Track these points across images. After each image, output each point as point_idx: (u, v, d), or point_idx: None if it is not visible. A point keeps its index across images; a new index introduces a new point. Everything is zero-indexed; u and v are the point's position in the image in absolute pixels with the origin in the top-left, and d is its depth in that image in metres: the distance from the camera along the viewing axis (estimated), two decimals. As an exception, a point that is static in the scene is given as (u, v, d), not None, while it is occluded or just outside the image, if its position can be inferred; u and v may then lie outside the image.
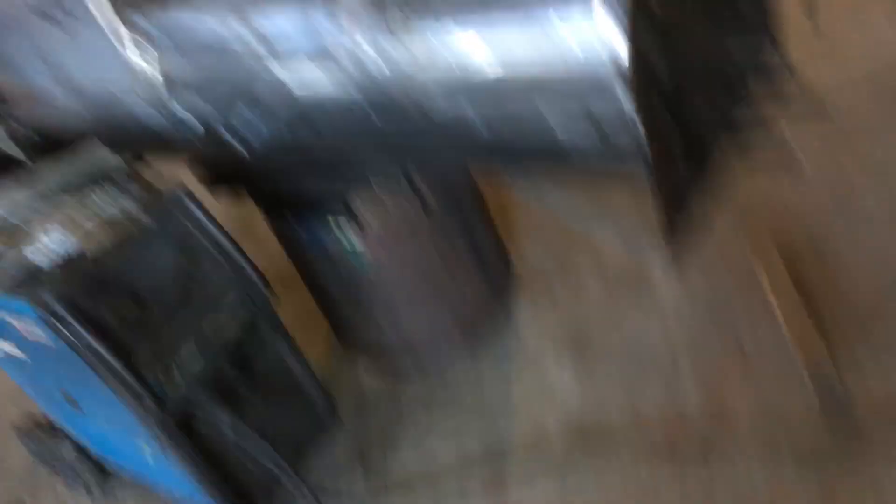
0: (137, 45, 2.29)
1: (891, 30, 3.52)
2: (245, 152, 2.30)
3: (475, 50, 1.65)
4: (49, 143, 2.80)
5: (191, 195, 2.22)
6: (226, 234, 2.26)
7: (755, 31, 2.03)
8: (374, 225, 2.55)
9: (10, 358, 2.40)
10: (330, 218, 2.55)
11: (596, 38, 1.47)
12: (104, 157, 2.47)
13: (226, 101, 2.22)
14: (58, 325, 1.94)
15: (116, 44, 2.28)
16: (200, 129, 2.34)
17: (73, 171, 2.42)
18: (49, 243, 2.10)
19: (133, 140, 2.56)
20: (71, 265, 2.04)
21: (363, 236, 2.57)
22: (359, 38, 1.82)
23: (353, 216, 2.52)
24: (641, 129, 1.53)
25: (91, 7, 2.23)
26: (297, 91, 2.03)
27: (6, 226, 2.20)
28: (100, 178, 2.36)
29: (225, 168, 2.62)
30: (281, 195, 2.57)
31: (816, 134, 2.79)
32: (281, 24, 1.95)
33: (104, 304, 2.03)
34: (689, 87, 1.73)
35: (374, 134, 1.98)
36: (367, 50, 1.82)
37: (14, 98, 2.84)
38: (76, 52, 2.42)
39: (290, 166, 2.42)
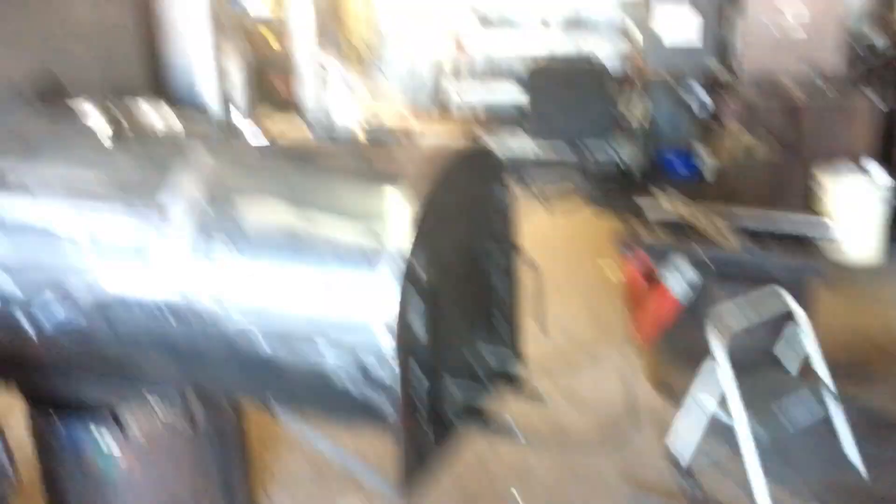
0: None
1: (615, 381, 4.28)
2: (34, 335, 2.40)
3: (276, 284, 2.01)
4: None
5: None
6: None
7: (503, 344, 2.56)
8: (138, 433, 2.63)
9: None
10: (95, 418, 2.61)
11: (374, 297, 1.88)
12: None
13: (32, 282, 2.37)
14: None
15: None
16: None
17: None
18: None
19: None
20: None
21: (123, 441, 2.62)
22: (181, 253, 2.12)
23: (118, 420, 2.59)
24: (398, 377, 1.90)
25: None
26: (107, 284, 2.24)
27: None
28: None
29: (2, 350, 2.65)
30: (54, 388, 2.61)
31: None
32: (109, 220, 2.21)
33: None
34: (442, 363, 2.16)
35: (166, 337, 2.21)
36: (185, 266, 2.12)
37: None
38: None
39: (72, 358, 2.51)
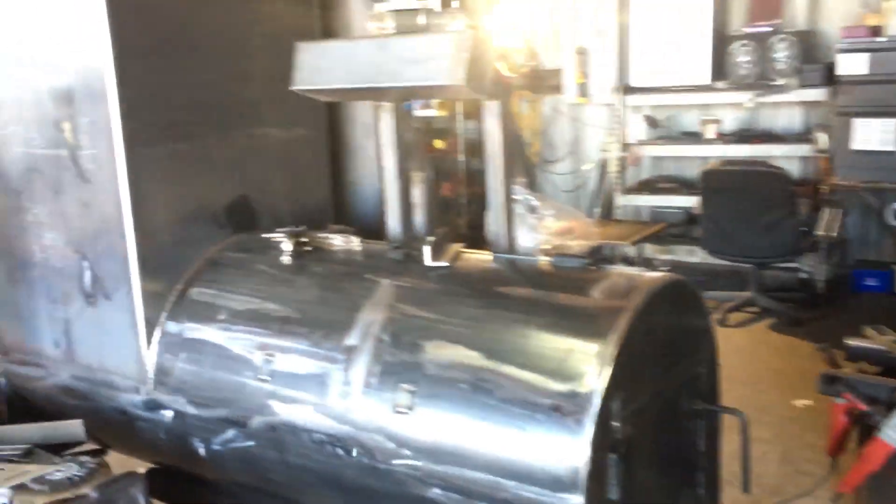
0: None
1: None
2: (204, 453, 2.41)
3: (455, 430, 1.90)
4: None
5: (143, 485, 2.27)
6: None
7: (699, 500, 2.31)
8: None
9: None
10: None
11: (563, 451, 1.75)
12: (75, 432, 2.54)
13: (209, 401, 2.39)
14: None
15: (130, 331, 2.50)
16: (169, 419, 2.48)
17: (42, 437, 2.49)
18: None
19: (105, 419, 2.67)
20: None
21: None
22: (359, 390, 2.06)
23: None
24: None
25: (135, 301, 2.48)
26: (283, 415, 2.22)
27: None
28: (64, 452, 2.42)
29: (174, 465, 2.68)
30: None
31: None
32: (296, 365, 2.21)
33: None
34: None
35: (331, 470, 2.14)
36: (362, 402, 2.05)
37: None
38: (93, 328, 2.64)
39: (238, 478, 2.48)
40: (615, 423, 1.80)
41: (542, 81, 7.09)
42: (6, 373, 2.97)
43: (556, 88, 7.26)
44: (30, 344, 2.84)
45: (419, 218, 2.49)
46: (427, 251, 2.25)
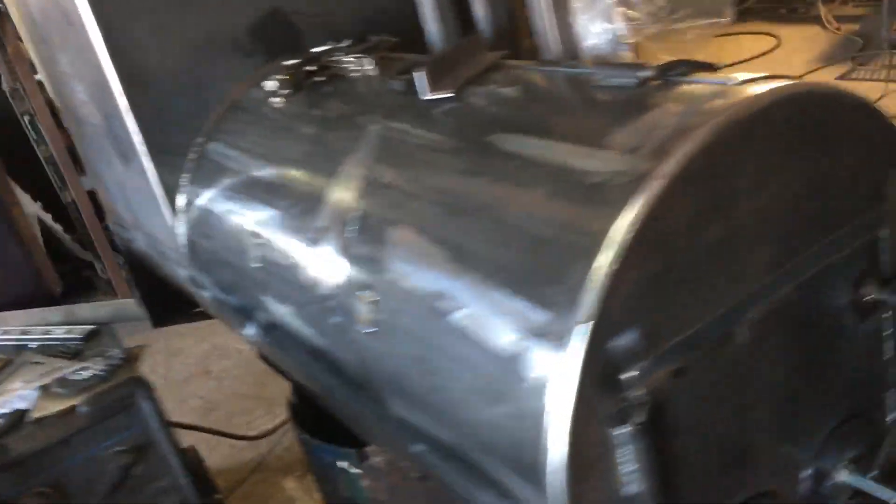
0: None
1: None
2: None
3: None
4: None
5: (149, 393, 1.97)
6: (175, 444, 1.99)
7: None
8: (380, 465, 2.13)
9: None
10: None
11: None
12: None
13: (227, 290, 1.96)
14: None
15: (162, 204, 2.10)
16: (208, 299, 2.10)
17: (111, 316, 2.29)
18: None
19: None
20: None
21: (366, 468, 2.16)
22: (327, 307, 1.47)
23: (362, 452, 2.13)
24: None
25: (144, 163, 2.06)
26: (276, 314, 1.71)
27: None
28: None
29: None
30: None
31: None
32: (279, 251, 1.66)
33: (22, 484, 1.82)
34: None
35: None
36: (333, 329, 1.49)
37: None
38: (135, 191, 2.29)
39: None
40: (630, 375, 0.99)
41: None
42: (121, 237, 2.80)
43: None
44: (115, 206, 2.62)
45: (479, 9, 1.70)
46: (420, 79, 1.47)
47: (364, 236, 1.39)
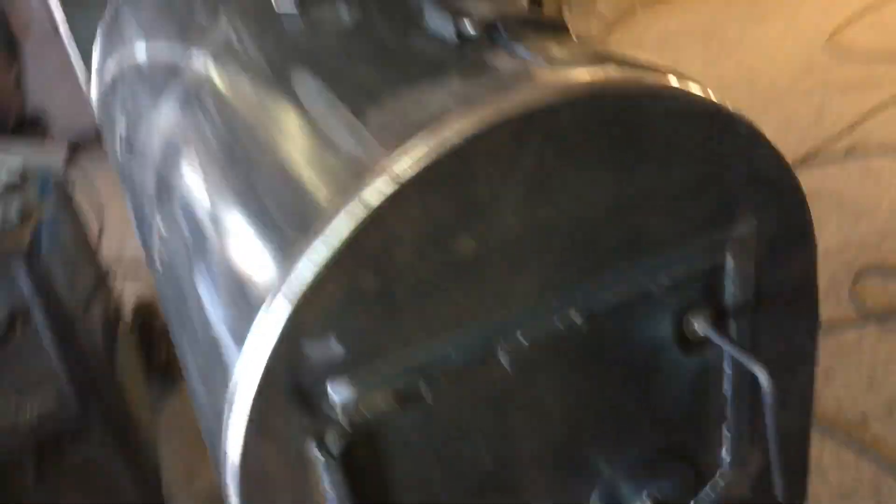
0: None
1: None
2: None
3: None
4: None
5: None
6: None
7: None
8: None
9: None
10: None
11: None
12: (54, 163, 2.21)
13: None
14: None
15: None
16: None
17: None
18: None
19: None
20: None
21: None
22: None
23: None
24: None
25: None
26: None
27: None
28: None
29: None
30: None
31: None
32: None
33: None
34: None
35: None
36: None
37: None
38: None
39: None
40: (332, 390, 0.85)
41: None
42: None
43: None
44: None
45: None
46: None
47: (167, 161, 1.24)
